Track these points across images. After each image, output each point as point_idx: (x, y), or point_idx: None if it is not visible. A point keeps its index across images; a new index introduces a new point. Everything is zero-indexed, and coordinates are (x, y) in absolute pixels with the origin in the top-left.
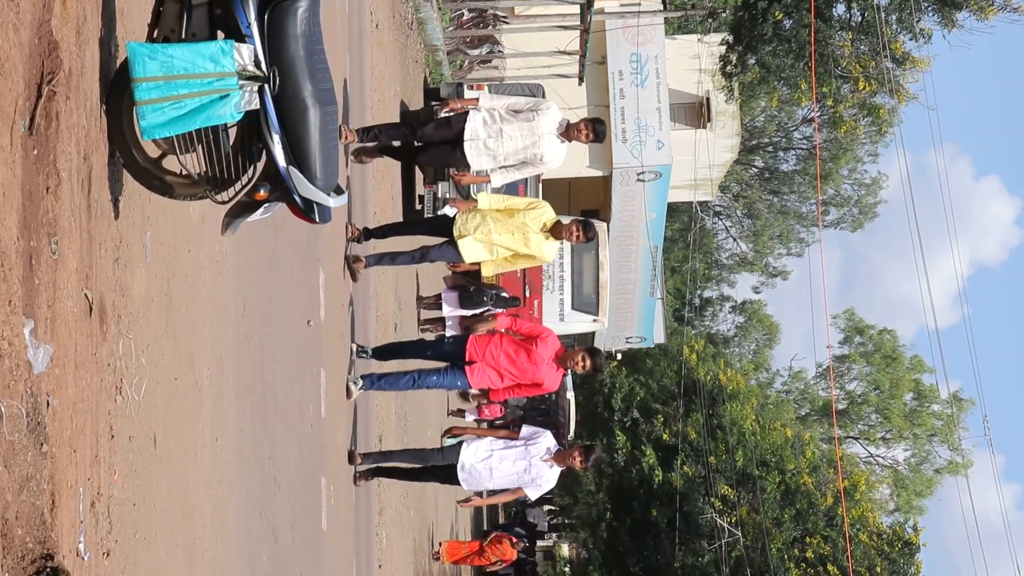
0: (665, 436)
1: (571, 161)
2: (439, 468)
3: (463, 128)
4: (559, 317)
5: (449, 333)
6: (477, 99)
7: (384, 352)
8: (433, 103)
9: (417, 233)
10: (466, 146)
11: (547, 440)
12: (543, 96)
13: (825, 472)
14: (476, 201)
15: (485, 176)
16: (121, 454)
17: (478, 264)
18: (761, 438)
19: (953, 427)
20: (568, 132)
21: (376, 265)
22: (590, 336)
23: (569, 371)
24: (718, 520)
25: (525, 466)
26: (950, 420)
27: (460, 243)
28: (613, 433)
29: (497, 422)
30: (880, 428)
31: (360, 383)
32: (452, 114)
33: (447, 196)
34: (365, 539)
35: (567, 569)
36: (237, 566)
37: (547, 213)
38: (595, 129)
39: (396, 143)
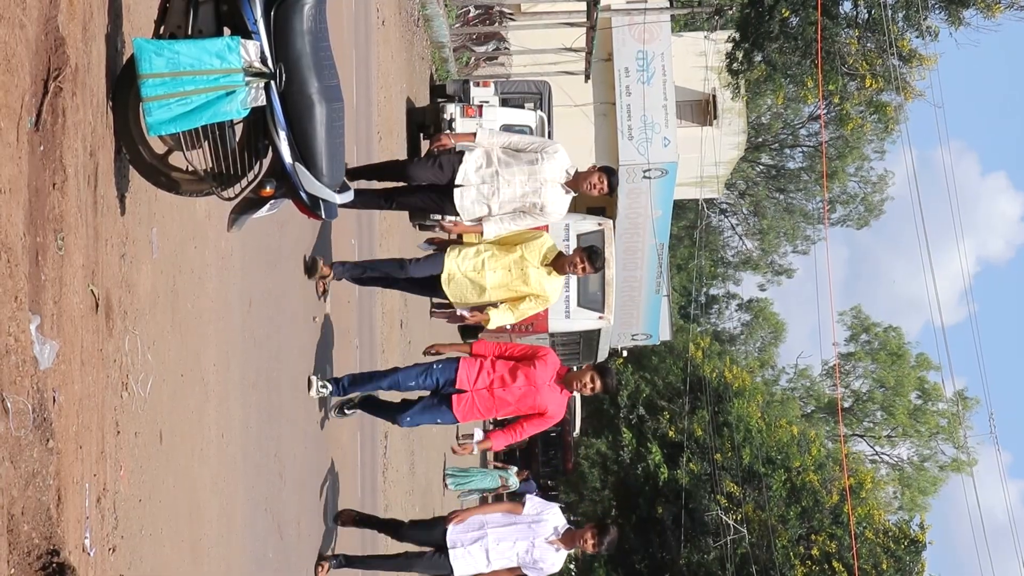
0: (671, 433)
1: (577, 158)
2: (428, 554)
3: (454, 172)
4: (565, 314)
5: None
6: (473, 134)
7: (352, 385)
8: (424, 133)
9: (399, 275)
10: (456, 192)
11: (555, 518)
12: (549, 92)
13: (831, 470)
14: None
15: (479, 226)
16: (127, 450)
17: (482, 313)
18: (767, 435)
19: (958, 425)
20: (576, 182)
21: (345, 276)
22: (595, 333)
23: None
24: (723, 517)
25: (527, 547)
26: (955, 418)
27: (445, 278)
28: (619, 430)
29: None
30: (885, 426)
31: (328, 386)
32: (443, 154)
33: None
34: (370, 535)
35: (572, 566)
36: (243, 562)
37: (547, 244)
38: (610, 182)
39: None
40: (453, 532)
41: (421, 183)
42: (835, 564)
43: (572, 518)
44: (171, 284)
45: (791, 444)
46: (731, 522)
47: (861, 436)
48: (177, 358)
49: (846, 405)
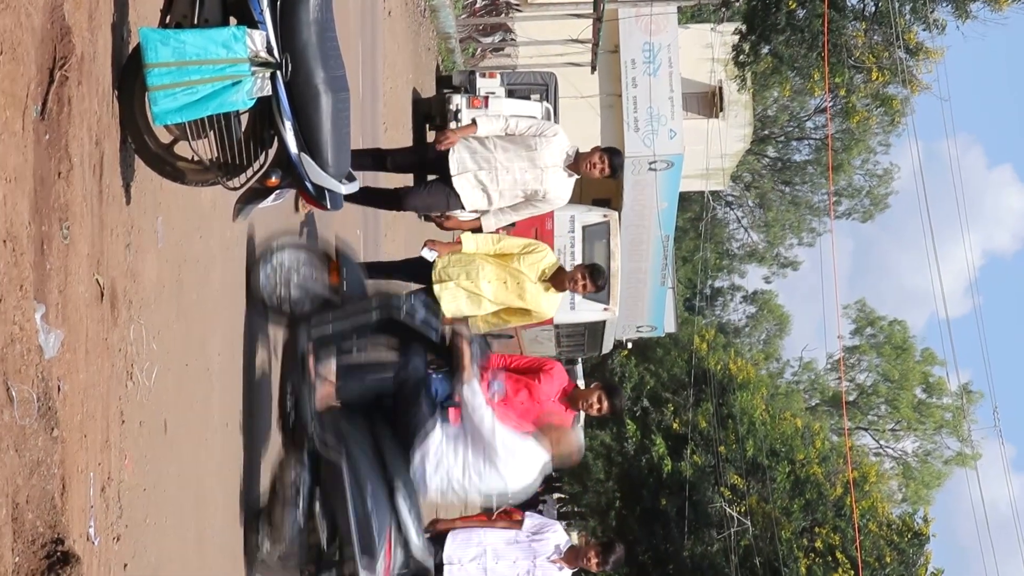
0: (675, 425)
1: (583, 149)
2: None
3: (445, 159)
4: (570, 305)
5: None
6: (474, 125)
7: None
8: (430, 124)
9: (391, 277)
10: (455, 181)
11: (556, 536)
12: (555, 84)
13: (834, 462)
14: (460, 243)
15: (476, 220)
16: (131, 439)
17: (464, 318)
18: (771, 428)
19: (962, 418)
20: (578, 164)
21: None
22: (600, 325)
23: (580, 378)
24: (727, 509)
25: (528, 567)
26: (959, 412)
27: (438, 289)
28: (623, 422)
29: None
30: (889, 419)
31: None
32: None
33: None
34: None
35: None
36: (247, 552)
37: (547, 258)
38: (612, 162)
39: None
40: (451, 547)
41: (405, 167)
42: (839, 556)
43: (576, 509)
44: (176, 273)
45: (795, 437)
46: (735, 514)
47: (865, 429)
48: (182, 347)
49: (850, 398)
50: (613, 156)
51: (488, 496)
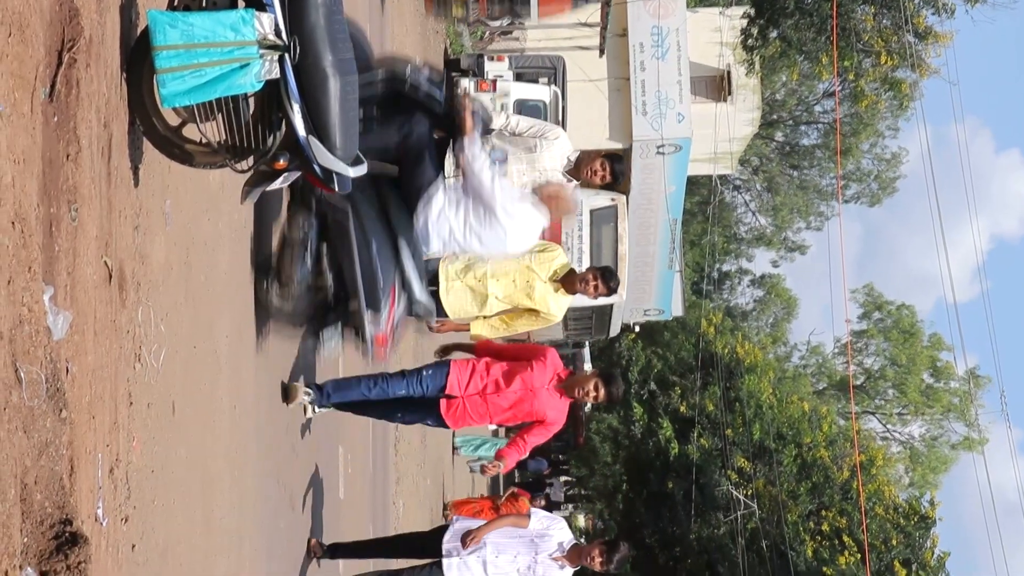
0: (682, 408)
1: (590, 133)
2: (424, 568)
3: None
4: None
5: None
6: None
7: (337, 392)
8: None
9: None
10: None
11: (561, 533)
12: (563, 67)
13: (841, 446)
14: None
15: None
16: (139, 421)
17: (467, 323)
18: (778, 411)
19: (969, 403)
20: (578, 169)
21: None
22: (608, 308)
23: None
24: (734, 492)
25: (529, 563)
26: (966, 396)
27: (443, 290)
28: (630, 405)
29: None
30: (896, 403)
31: (310, 392)
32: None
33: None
34: (382, 508)
35: (583, 540)
36: (255, 533)
37: (559, 259)
38: (614, 169)
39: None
40: (449, 541)
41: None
42: (845, 539)
43: (583, 492)
44: (184, 256)
45: (802, 420)
46: (741, 497)
47: (872, 413)
48: (190, 330)
49: (858, 383)
50: (615, 163)
51: (487, 248)
